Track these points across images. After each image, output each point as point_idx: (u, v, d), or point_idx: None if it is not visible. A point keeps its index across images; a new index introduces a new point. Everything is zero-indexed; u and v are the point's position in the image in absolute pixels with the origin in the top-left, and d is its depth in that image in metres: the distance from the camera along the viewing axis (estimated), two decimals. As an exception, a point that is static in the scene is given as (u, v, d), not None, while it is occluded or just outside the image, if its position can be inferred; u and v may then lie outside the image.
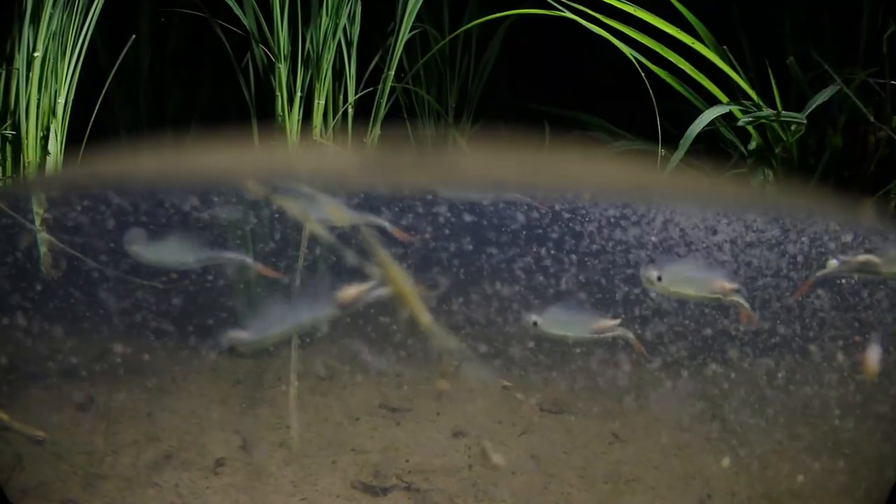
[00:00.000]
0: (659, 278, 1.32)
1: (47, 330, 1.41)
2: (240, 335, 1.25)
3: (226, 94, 2.42)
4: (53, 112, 1.84)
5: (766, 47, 2.24)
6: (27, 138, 1.80)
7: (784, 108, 2.00)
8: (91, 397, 1.56)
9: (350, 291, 1.24)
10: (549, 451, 1.51)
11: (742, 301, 1.34)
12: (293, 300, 1.33)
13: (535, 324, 1.39)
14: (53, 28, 1.80)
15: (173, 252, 1.30)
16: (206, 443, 1.52)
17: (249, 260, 1.30)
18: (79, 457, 1.39)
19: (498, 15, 2.04)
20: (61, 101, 1.84)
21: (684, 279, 1.32)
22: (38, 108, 1.83)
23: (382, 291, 1.23)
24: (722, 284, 1.32)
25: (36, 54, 1.76)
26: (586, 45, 2.25)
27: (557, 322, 1.40)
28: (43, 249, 1.38)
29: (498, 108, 2.43)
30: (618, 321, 1.42)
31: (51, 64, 1.82)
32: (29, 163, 1.83)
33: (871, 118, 2.06)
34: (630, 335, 1.44)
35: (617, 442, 1.51)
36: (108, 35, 2.17)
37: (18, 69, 1.77)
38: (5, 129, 1.82)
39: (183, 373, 1.68)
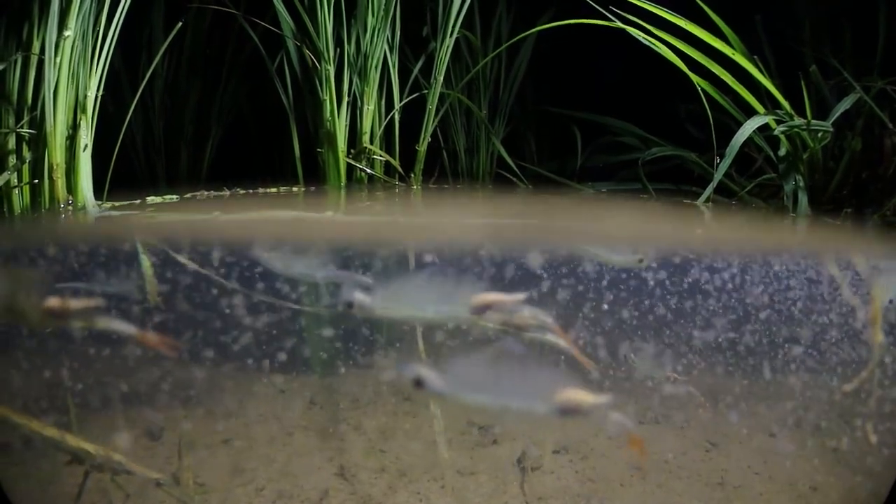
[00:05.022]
0: None
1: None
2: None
3: (242, 95, 2.29)
4: (83, 107, 1.62)
5: (783, 54, 2.34)
6: (54, 135, 1.56)
7: (801, 114, 2.09)
8: (162, 427, 1.44)
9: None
10: (652, 462, 1.51)
11: None
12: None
13: (349, 305, 1.09)
14: (86, 6, 1.56)
15: (303, 265, 1.20)
16: (298, 472, 1.42)
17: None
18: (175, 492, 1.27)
19: (552, 25, 2.00)
20: (91, 94, 1.63)
21: None
22: (65, 101, 1.60)
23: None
24: None
25: (67, 33, 1.53)
26: (605, 51, 2.28)
27: (401, 298, 1.09)
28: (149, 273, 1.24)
29: (529, 113, 2.41)
30: (521, 297, 1.08)
31: (79, 50, 1.58)
32: (57, 165, 1.61)
33: (889, 123, 2.18)
34: (550, 321, 1.11)
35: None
36: (120, 36, 1.97)
37: (44, 57, 1.54)
38: (21, 126, 1.60)
39: (249, 396, 1.58)
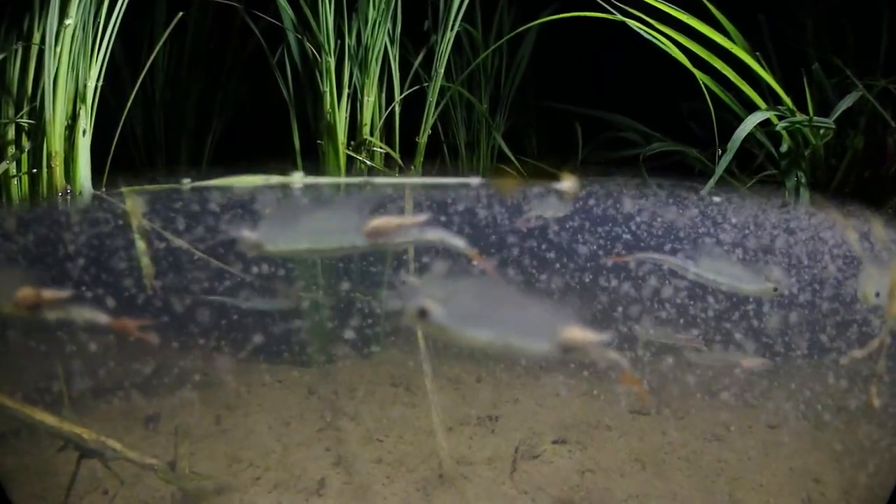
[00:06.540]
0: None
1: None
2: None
3: (243, 90, 2.29)
4: (83, 97, 1.62)
5: (785, 54, 2.34)
6: (53, 124, 1.56)
7: (803, 111, 2.08)
8: (159, 414, 1.43)
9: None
10: (650, 452, 1.49)
11: None
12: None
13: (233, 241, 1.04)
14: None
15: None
16: (295, 462, 1.41)
17: None
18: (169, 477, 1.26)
19: (553, 18, 2.00)
20: (91, 84, 1.63)
21: None
22: (64, 90, 1.60)
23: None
24: None
25: (68, 22, 1.53)
26: (606, 45, 2.28)
27: (293, 232, 1.04)
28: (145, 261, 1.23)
29: (529, 108, 2.41)
30: (422, 217, 1.03)
31: (80, 40, 1.58)
32: (55, 153, 1.61)
33: (891, 122, 2.17)
34: (462, 244, 1.04)
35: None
36: (121, 31, 1.96)
37: (44, 47, 1.54)
38: (21, 117, 1.60)
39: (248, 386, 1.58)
